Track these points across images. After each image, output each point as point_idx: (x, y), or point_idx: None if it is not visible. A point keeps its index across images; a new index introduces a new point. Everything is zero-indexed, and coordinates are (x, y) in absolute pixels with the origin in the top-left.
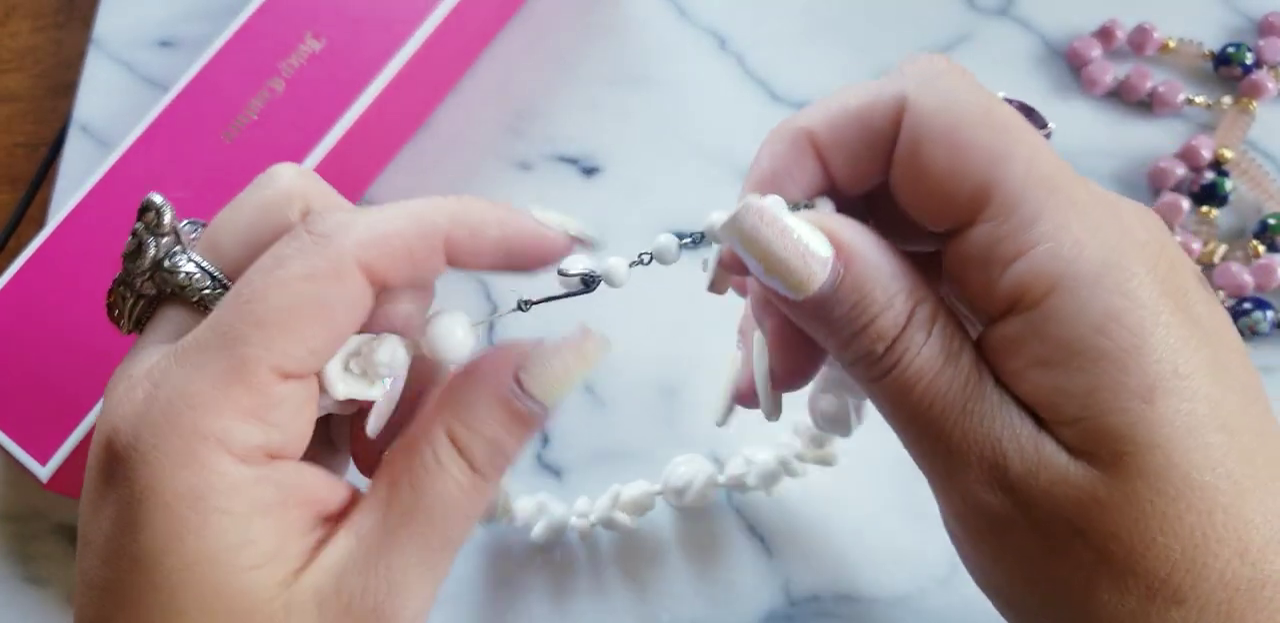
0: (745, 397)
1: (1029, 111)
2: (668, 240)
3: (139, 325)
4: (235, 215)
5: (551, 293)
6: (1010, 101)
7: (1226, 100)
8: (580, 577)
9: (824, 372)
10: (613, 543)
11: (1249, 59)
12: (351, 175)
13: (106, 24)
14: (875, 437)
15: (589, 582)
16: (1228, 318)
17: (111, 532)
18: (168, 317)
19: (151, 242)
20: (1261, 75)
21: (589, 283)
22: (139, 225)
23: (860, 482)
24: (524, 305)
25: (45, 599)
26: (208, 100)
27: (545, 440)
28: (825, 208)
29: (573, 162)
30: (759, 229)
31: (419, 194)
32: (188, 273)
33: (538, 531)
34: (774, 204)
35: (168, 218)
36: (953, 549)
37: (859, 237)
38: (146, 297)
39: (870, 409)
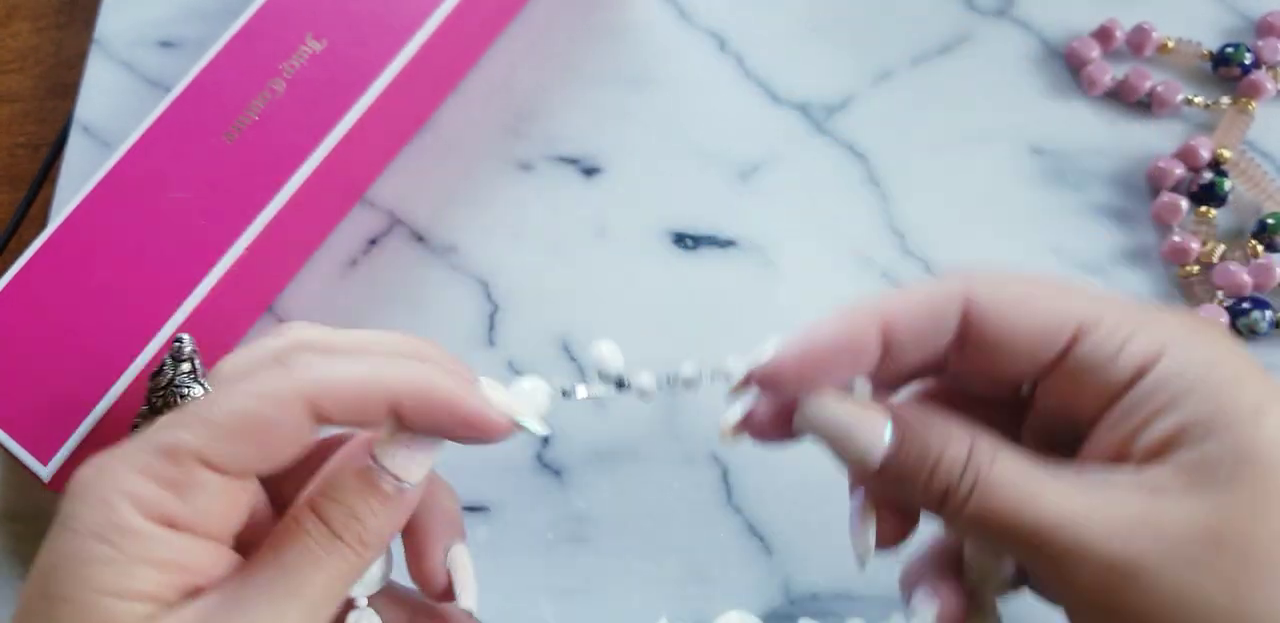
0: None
1: None
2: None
3: None
4: (243, 354)
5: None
6: None
7: (1225, 100)
8: (580, 576)
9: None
10: (613, 540)
11: (1247, 59)
12: (352, 176)
13: (108, 24)
14: None
15: (589, 581)
16: None
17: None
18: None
19: (170, 367)
20: (1260, 75)
21: (621, 385)
22: (167, 356)
23: None
24: (566, 394)
25: None
26: (209, 101)
27: (545, 440)
28: (863, 388)
29: (573, 162)
30: (823, 419)
31: (420, 195)
32: (190, 392)
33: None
34: (831, 397)
35: (188, 349)
36: None
37: (902, 405)
38: (157, 411)
39: None
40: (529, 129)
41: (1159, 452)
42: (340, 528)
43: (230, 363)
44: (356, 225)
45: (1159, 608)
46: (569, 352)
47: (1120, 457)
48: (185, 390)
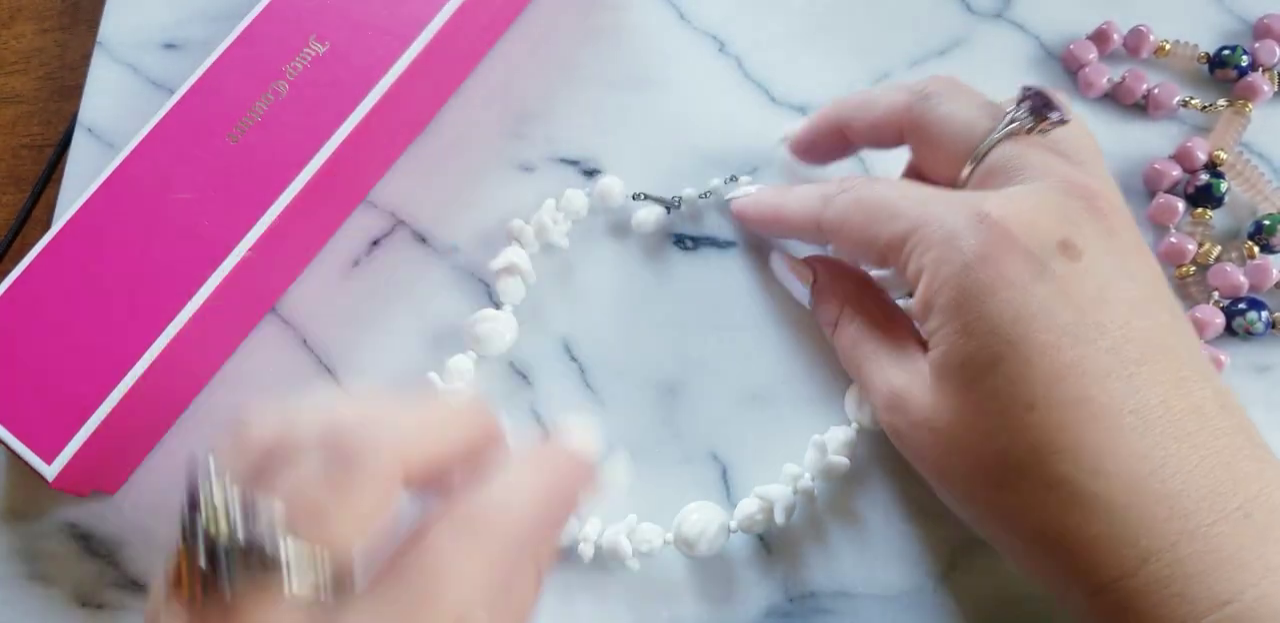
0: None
1: (1045, 101)
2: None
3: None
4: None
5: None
6: (1028, 89)
7: (1222, 102)
8: (580, 574)
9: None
10: None
11: (1244, 61)
12: (355, 177)
13: (111, 26)
14: (875, 436)
15: (589, 579)
16: (1124, 251)
17: None
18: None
19: (227, 521)
20: (1256, 77)
21: (670, 207)
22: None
23: (859, 480)
24: (675, 203)
25: (50, 597)
26: (212, 102)
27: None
28: (751, 189)
29: (574, 163)
30: (779, 274)
31: (422, 196)
32: (279, 552)
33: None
34: (788, 259)
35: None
36: (950, 547)
37: (822, 270)
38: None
39: None
40: (530, 131)
41: (930, 337)
42: None
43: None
44: (359, 226)
45: (907, 454)
46: (570, 352)
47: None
48: (272, 552)
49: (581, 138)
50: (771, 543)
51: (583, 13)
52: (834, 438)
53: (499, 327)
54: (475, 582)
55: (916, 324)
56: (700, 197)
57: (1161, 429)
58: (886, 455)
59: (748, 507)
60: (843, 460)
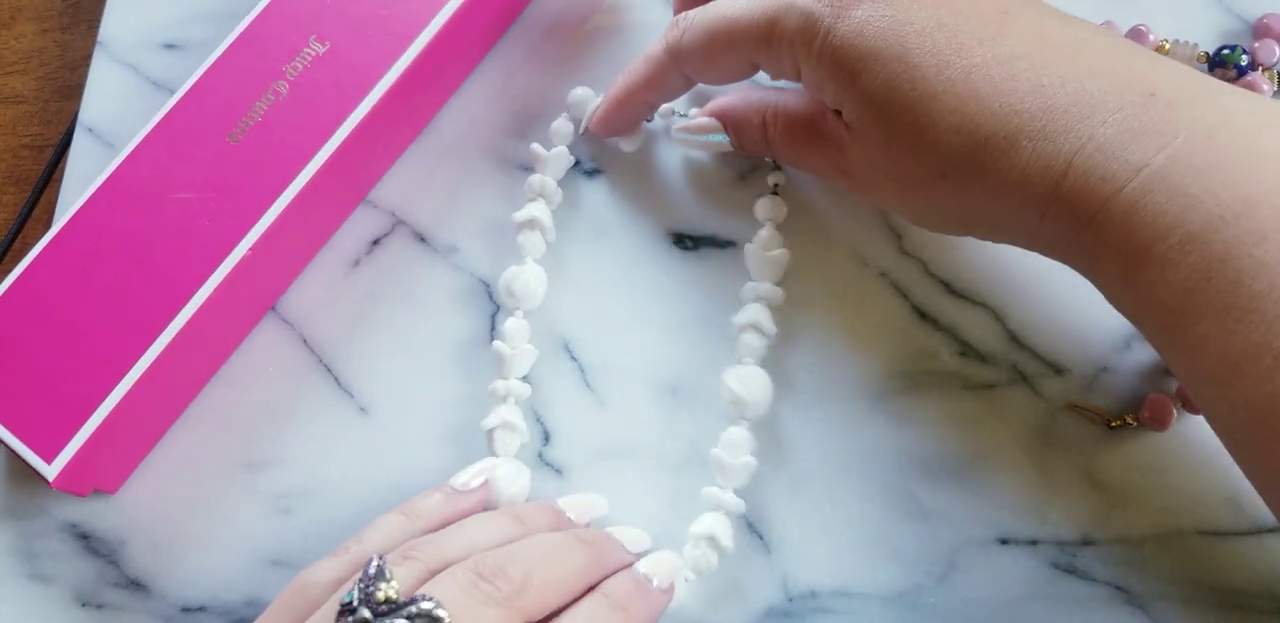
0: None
1: None
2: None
3: None
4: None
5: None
6: None
7: None
8: None
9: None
10: None
11: (1244, 61)
12: (355, 177)
13: (112, 27)
14: (874, 436)
15: None
16: None
17: None
18: None
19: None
20: (1256, 77)
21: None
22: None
23: (859, 479)
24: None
25: (50, 597)
26: (213, 103)
27: (546, 439)
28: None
29: (574, 163)
30: (686, 138)
31: (422, 196)
32: None
33: None
34: (685, 122)
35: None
36: (949, 547)
37: (720, 105)
38: None
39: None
40: (530, 130)
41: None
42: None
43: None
44: (359, 226)
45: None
46: (570, 352)
47: None
48: None
49: (581, 138)
50: (771, 543)
51: (583, 13)
52: (729, 442)
53: (530, 281)
54: None
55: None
56: (646, 120)
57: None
58: (886, 455)
59: (693, 550)
60: (748, 461)
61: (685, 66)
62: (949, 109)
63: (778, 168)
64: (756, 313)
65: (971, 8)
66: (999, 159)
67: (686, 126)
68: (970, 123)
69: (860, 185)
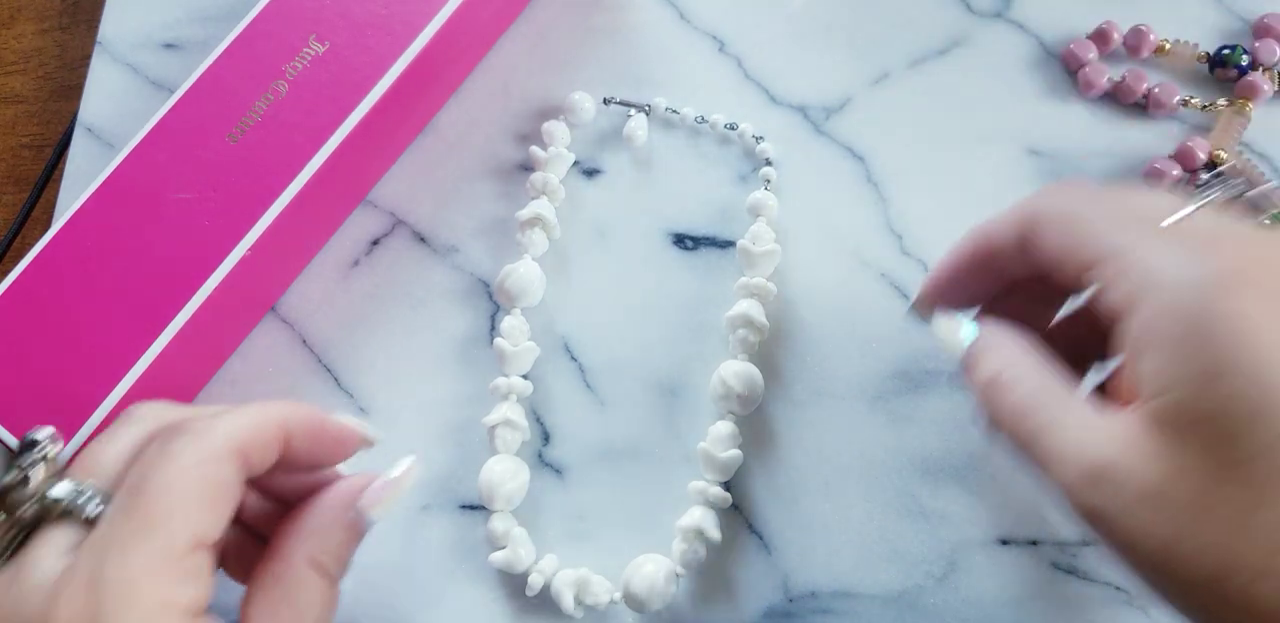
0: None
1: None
2: None
3: (8, 551)
4: (111, 441)
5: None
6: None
7: (1222, 102)
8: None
9: None
10: (615, 538)
11: (1244, 61)
12: (355, 177)
13: (111, 26)
14: (874, 436)
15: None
16: None
17: None
18: (51, 538)
19: (33, 472)
20: (1256, 77)
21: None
22: (19, 459)
23: (859, 479)
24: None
25: None
26: (212, 102)
27: (546, 439)
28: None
29: (575, 163)
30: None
31: (422, 196)
32: (79, 494)
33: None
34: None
35: (52, 451)
36: (949, 547)
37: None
38: (23, 524)
39: None
40: (530, 130)
41: (1139, 395)
42: (336, 572)
43: (109, 453)
44: (359, 226)
45: (1114, 543)
46: (569, 351)
47: (1114, 391)
48: (69, 495)
49: (581, 137)
50: (771, 543)
51: (583, 13)
52: (716, 437)
53: (526, 278)
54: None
55: (1100, 371)
56: (668, 110)
57: None
58: (886, 455)
59: (680, 544)
60: (735, 455)
61: (1029, 236)
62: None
63: (769, 164)
64: (748, 308)
65: None
66: None
67: (944, 317)
68: None
69: (1108, 508)
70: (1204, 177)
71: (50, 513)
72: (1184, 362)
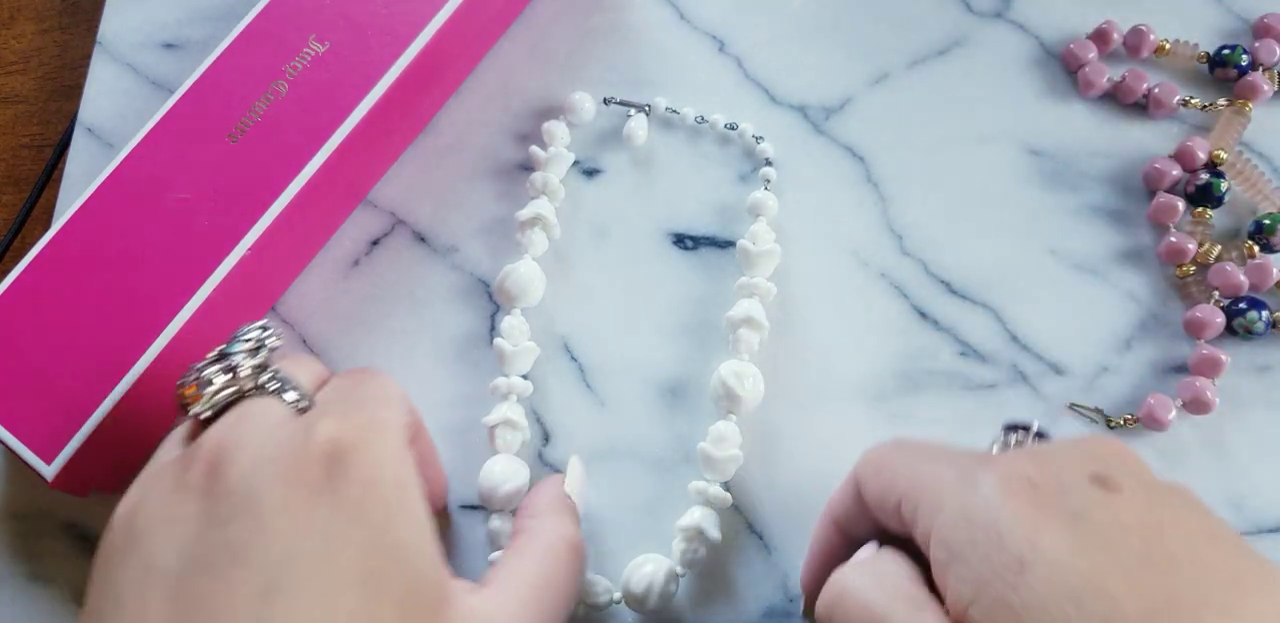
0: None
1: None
2: None
3: (216, 410)
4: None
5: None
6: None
7: (1222, 102)
8: None
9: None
10: (614, 538)
11: (1244, 61)
12: (355, 177)
13: (111, 26)
14: (874, 436)
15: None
16: (1158, 506)
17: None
18: (264, 408)
19: (266, 351)
20: (1256, 77)
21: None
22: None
23: None
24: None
25: (50, 597)
26: (212, 102)
27: (546, 439)
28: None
29: (574, 163)
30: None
31: (422, 196)
32: (297, 384)
33: None
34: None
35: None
36: None
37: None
38: (241, 389)
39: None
40: (530, 130)
41: (954, 609)
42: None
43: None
44: (359, 226)
45: None
46: (570, 352)
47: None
48: (292, 380)
49: (581, 137)
50: (771, 543)
51: (583, 13)
52: (716, 437)
53: (525, 278)
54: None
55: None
56: (668, 110)
57: None
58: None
59: (680, 544)
60: (735, 455)
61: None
62: None
63: (769, 164)
64: (749, 308)
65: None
66: None
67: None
68: None
69: None
70: (1002, 427)
71: (274, 386)
72: (983, 561)
